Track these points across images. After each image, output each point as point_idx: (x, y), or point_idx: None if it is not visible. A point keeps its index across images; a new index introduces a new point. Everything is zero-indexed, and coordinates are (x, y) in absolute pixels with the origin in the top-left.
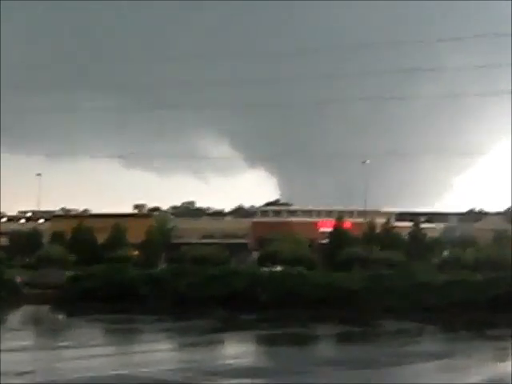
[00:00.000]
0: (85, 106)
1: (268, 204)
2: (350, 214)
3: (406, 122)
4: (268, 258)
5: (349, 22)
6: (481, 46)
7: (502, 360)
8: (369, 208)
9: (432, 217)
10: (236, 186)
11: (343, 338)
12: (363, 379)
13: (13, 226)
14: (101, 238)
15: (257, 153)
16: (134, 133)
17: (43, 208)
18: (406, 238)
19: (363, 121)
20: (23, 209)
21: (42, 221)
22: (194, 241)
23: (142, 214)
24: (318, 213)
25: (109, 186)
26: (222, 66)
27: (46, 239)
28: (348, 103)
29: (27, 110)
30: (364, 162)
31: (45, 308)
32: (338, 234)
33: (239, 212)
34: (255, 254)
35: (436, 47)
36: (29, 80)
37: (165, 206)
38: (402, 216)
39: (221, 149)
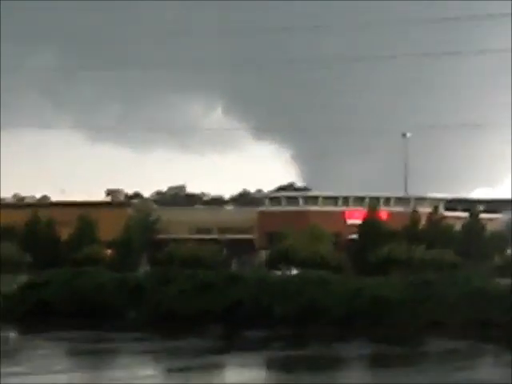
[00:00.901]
0: (29, 64)
1: (280, 188)
2: (387, 201)
3: (462, 83)
4: (280, 259)
5: None
6: None
7: None
8: (410, 194)
9: (493, 205)
10: (238, 165)
11: (377, 362)
12: None
13: None
14: (64, 234)
15: (263, 121)
16: (98, 98)
17: None
18: (459, 232)
19: (404, 82)
20: None
21: None
22: (184, 237)
23: (117, 203)
24: (345, 200)
25: (72, 166)
26: (210, 10)
27: None
28: (384, 60)
29: None
30: (404, 136)
31: None
32: (371, 228)
33: (243, 199)
34: (263, 254)
35: None
36: None
37: (146, 192)
38: (453, 204)
39: (213, 116)
